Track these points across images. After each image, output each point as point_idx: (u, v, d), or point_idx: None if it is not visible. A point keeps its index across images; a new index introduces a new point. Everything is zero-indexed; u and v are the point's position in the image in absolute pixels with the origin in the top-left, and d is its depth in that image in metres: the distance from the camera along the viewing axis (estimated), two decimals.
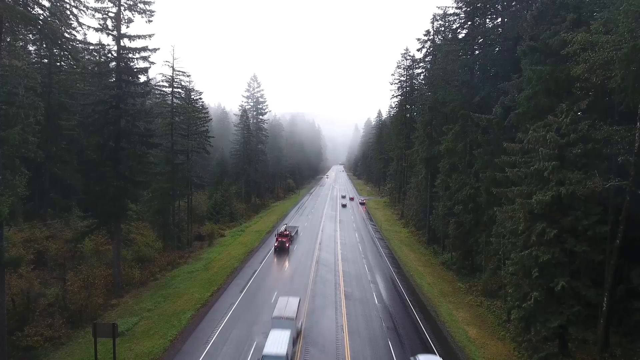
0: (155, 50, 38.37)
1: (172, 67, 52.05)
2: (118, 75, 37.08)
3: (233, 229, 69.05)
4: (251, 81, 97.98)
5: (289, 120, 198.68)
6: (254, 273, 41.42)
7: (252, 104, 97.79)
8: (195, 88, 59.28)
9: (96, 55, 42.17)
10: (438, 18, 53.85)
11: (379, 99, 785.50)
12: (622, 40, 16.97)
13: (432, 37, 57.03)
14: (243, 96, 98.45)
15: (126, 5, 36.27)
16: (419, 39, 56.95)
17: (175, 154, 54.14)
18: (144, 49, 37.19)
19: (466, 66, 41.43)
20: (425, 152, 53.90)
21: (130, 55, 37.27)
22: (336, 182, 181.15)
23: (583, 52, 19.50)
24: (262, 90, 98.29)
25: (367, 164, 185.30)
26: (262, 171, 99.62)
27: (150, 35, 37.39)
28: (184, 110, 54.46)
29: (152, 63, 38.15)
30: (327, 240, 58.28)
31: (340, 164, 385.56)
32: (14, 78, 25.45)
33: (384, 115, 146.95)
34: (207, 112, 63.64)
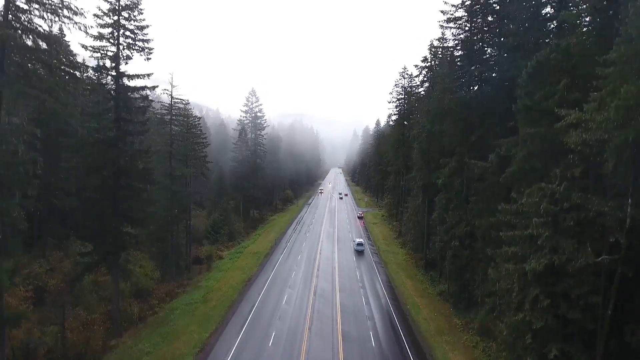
0: (153, 88, 38.92)
1: (171, 95, 52.38)
2: (116, 115, 37.25)
3: (231, 249, 69.29)
4: (249, 95, 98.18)
5: (287, 126, 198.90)
6: (252, 307, 41.62)
7: (250, 118, 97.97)
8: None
9: (92, 95, 41.95)
10: (435, 45, 54.42)
11: (378, 99, 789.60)
12: (614, 128, 17.20)
13: (429, 63, 57.38)
14: (241, 111, 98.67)
15: (125, 44, 36.61)
16: (416, 66, 57.37)
17: (174, 179, 54.40)
18: (143, 88, 37.57)
19: (463, 104, 41.76)
20: (423, 179, 54.20)
21: (129, 94, 37.60)
22: (334, 190, 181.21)
23: (575, 129, 19.78)
24: (261, 104, 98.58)
25: (365, 173, 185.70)
26: (260, 185, 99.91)
27: (149, 75, 37.57)
28: (183, 138, 54.73)
29: (151, 101, 38.57)
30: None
31: (338, 167, 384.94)
32: (14, 135, 25.55)
33: (382, 123, 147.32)
34: (205, 137, 63.91)
